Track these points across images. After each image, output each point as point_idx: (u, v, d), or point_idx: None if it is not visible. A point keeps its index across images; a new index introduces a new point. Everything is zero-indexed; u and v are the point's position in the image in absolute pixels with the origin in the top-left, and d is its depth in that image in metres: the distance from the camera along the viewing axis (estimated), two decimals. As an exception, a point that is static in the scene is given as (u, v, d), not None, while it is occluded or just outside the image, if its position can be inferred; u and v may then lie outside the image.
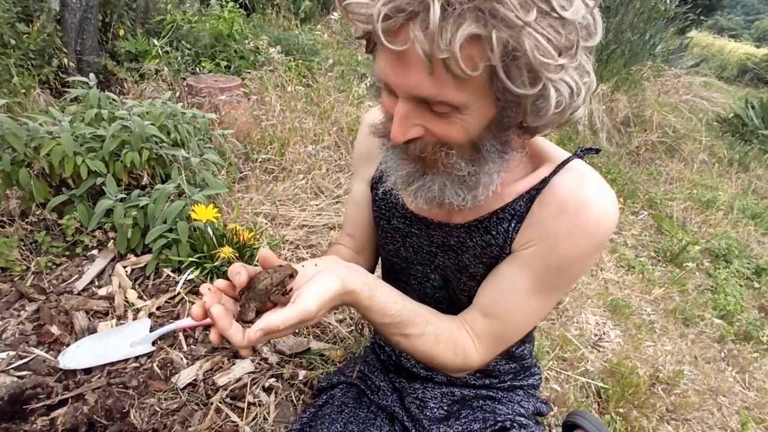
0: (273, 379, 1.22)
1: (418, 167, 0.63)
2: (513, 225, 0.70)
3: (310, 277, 0.60)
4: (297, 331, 1.41)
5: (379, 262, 1.00)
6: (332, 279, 0.59)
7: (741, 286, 2.25)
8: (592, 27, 0.51)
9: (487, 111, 0.55)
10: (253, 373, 1.22)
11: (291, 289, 0.59)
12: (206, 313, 0.55)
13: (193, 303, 1.40)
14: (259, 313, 0.56)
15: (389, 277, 0.98)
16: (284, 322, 0.53)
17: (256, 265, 0.63)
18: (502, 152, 0.60)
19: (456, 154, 0.59)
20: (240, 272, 0.58)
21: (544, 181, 0.67)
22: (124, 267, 1.48)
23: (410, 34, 0.46)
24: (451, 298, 0.85)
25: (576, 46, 0.49)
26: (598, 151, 0.75)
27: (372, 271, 1.02)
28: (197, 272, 1.45)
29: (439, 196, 0.64)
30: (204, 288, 0.57)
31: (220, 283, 0.60)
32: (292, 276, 0.59)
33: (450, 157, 0.60)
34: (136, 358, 1.22)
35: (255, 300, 0.56)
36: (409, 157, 0.63)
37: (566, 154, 0.69)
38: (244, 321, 0.56)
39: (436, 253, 0.81)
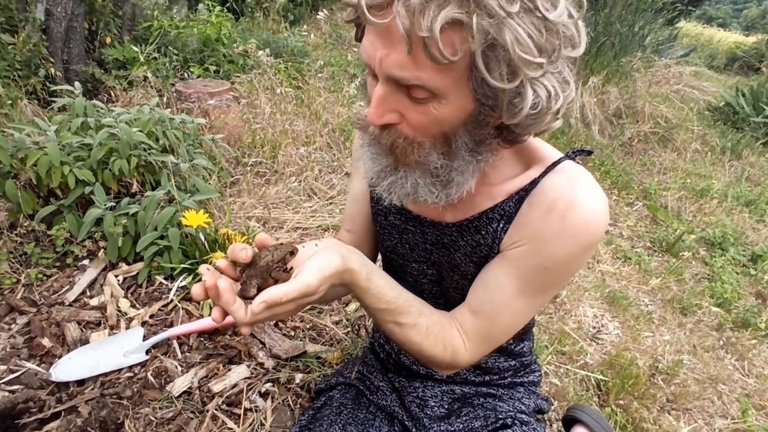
0: (269, 384, 1.20)
1: (391, 162, 0.62)
2: (502, 225, 0.69)
3: (310, 255, 0.60)
4: (297, 322, 1.39)
5: (379, 259, 0.99)
6: (334, 255, 0.59)
7: (737, 273, 2.25)
8: (576, 39, 0.52)
9: (464, 105, 0.55)
10: (248, 378, 1.21)
11: (291, 268, 0.59)
12: (206, 293, 0.54)
13: (186, 310, 1.39)
14: (260, 290, 0.56)
15: (387, 273, 0.97)
16: (287, 295, 0.53)
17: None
18: (474, 151, 0.59)
19: (428, 145, 0.59)
20: (245, 248, 0.57)
21: (534, 182, 0.67)
22: (116, 276, 1.46)
23: (394, 9, 0.47)
24: (446, 295, 0.84)
25: (557, 50, 0.50)
26: (590, 152, 0.74)
27: None
28: (190, 279, 1.44)
29: (413, 193, 0.63)
30: (203, 268, 0.55)
31: (220, 263, 0.60)
32: (293, 253, 0.59)
33: (422, 148, 0.59)
34: (130, 367, 1.20)
35: (256, 277, 0.56)
36: (383, 150, 0.62)
37: (558, 155, 0.69)
38: (245, 297, 0.56)
39: (431, 251, 0.81)
